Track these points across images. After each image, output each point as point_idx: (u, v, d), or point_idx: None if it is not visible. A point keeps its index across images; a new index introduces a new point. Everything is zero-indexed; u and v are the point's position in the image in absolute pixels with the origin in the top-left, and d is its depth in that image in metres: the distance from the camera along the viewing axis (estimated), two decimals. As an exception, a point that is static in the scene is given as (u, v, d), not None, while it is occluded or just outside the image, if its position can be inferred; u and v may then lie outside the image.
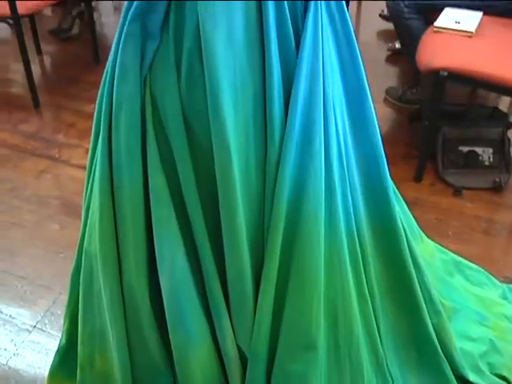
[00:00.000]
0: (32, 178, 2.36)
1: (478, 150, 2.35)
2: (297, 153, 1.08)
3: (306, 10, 1.06)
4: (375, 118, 1.22)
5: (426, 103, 2.43)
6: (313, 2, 1.05)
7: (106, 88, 1.15)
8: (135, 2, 1.05)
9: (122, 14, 1.09)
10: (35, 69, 3.07)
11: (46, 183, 2.33)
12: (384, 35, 3.58)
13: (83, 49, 3.42)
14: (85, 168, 2.30)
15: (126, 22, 1.06)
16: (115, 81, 1.10)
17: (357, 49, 1.17)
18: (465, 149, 2.36)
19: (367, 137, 1.21)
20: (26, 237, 2.07)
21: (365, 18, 3.92)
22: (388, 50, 3.36)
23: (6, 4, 2.57)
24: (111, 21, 3.99)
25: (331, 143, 1.12)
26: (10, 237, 2.07)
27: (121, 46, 1.08)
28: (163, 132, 1.11)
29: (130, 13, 1.05)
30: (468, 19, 2.35)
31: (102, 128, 1.14)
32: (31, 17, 3.15)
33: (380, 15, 3.63)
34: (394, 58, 3.32)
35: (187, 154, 1.10)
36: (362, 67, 1.18)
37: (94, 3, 3.91)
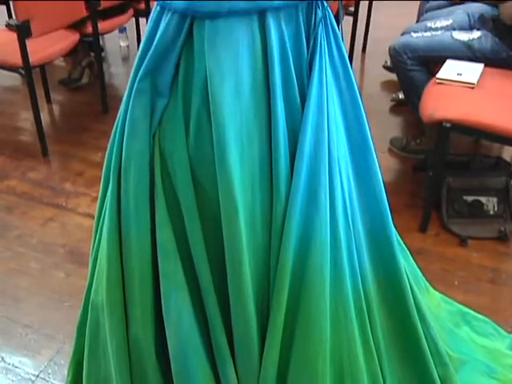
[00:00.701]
0: (39, 226, 2.38)
1: (483, 199, 2.36)
2: (302, 206, 1.09)
3: (311, 66, 1.09)
4: (379, 172, 1.23)
5: (430, 153, 2.45)
6: (318, 60, 1.08)
7: (115, 143, 1.18)
8: (146, 60, 1.09)
9: (133, 71, 1.13)
10: (44, 117, 3.13)
11: (52, 231, 2.35)
12: (388, 86, 3.64)
13: (92, 98, 3.48)
14: (91, 216, 2.33)
15: (137, 80, 1.10)
16: (125, 137, 1.13)
17: (361, 105, 1.19)
18: (469, 198, 2.37)
19: (372, 191, 1.23)
20: (31, 284, 2.07)
21: (369, 68, 4.00)
22: (392, 100, 3.41)
23: (19, 54, 2.63)
24: (120, 71, 4.08)
25: (336, 197, 1.13)
26: (15, 284, 2.07)
27: (131, 103, 1.11)
28: (171, 185, 1.13)
29: (141, 70, 1.09)
30: (469, 71, 2.40)
31: (111, 182, 1.17)
32: (42, 67, 3.23)
33: (384, 66, 3.71)
34: (397, 108, 3.36)
35: (194, 206, 1.11)
36: (366, 123, 1.21)
37: (103, 53, 4.00)
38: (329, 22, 1.11)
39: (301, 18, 1.06)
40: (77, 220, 2.41)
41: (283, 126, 1.06)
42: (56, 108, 3.48)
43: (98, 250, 1.25)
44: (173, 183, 1.13)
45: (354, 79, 1.17)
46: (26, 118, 3.31)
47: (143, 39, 1.13)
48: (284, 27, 1.04)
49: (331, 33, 1.12)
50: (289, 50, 1.05)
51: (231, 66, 1.02)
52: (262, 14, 1.01)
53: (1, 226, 2.38)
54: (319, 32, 1.08)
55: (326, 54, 1.11)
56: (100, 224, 1.26)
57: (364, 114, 1.20)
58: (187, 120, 1.08)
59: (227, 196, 1.06)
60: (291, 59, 1.06)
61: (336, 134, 1.13)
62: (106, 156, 1.24)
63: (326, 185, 1.10)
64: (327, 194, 1.11)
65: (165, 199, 1.13)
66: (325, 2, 1.09)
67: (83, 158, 2.86)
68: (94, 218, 2.33)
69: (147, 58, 1.09)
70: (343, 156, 1.17)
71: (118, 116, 1.20)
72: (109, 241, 1.17)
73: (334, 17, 1.14)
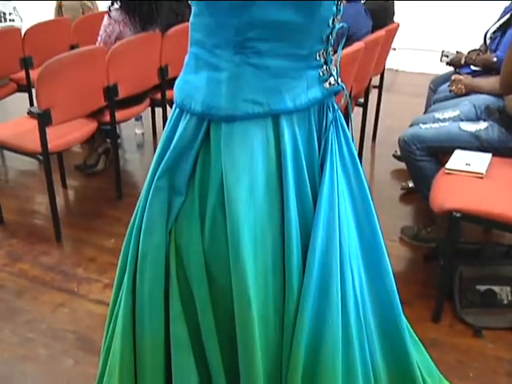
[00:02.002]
0: (49, 311, 2.37)
1: (496, 288, 2.34)
2: (314, 302, 1.11)
3: (322, 166, 1.13)
4: (389, 267, 1.25)
5: (442, 242, 2.45)
6: (329, 160, 1.13)
7: (132, 237, 1.21)
8: (164, 159, 1.14)
9: (151, 169, 1.18)
10: (59, 202, 3.19)
11: (62, 317, 2.34)
12: (398, 174, 3.69)
13: (107, 184, 3.55)
14: (102, 303, 2.32)
15: (155, 178, 1.15)
16: (142, 232, 1.17)
17: (371, 202, 1.22)
18: (482, 288, 2.34)
19: (382, 286, 1.24)
20: (38, 371, 2.04)
21: (379, 157, 4.07)
22: (402, 188, 3.45)
23: (38, 141, 2.71)
24: (135, 157, 4.17)
25: (348, 292, 1.15)
26: (22, 371, 2.04)
27: (149, 200, 1.16)
28: (186, 279, 1.16)
29: (159, 169, 1.14)
30: (478, 161, 2.43)
31: (126, 275, 1.20)
32: (59, 152, 3.31)
33: (394, 155, 3.77)
34: (408, 196, 3.40)
35: (208, 300, 1.13)
36: (376, 219, 1.24)
37: (119, 140, 4.11)
38: (339, 124, 1.17)
39: (313, 120, 1.12)
40: (88, 306, 2.40)
41: (296, 223, 1.09)
42: (71, 193, 3.55)
43: (111, 341, 1.26)
44: (187, 277, 1.15)
45: (363, 177, 1.21)
46: (40, 202, 3.36)
47: (162, 139, 1.19)
48: (297, 130, 1.09)
49: (341, 134, 1.18)
50: (301, 151, 1.10)
51: (246, 166, 1.06)
52: (275, 118, 1.07)
53: (10, 311, 2.38)
54: (330, 134, 1.13)
55: (337, 154, 1.15)
56: (114, 315, 1.27)
57: (374, 210, 1.23)
58: (203, 217, 1.12)
59: (241, 290, 1.08)
60: (303, 160, 1.10)
61: (347, 230, 1.16)
62: (123, 249, 1.27)
63: (337, 280, 1.12)
64: (339, 290, 1.12)
65: (179, 293, 1.15)
66: (335, 105, 1.15)
67: (96, 244, 2.89)
68: (105, 304, 2.34)
69: (166, 157, 1.14)
70: (354, 251, 1.19)
71: (135, 210, 1.24)
72: (123, 334, 1.18)
73: (344, 116, 1.19)
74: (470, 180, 2.34)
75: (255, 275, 1.08)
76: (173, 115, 1.17)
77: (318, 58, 1.08)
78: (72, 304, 2.42)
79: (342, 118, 1.19)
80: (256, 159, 1.07)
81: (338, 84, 1.13)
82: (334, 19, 1.06)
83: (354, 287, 1.17)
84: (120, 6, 3.29)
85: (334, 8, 1.04)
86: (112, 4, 3.28)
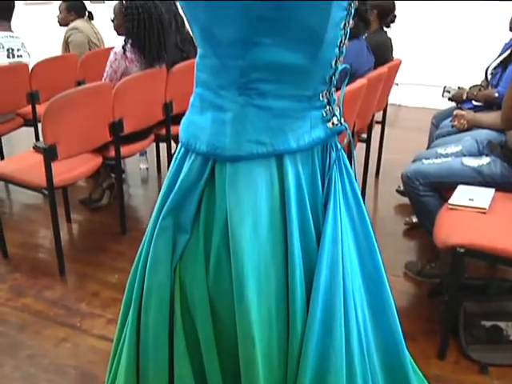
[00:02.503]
0: (51, 346, 2.36)
1: (502, 324, 2.32)
2: (318, 340, 1.11)
3: (326, 205, 1.14)
4: (393, 304, 1.25)
5: (446, 278, 2.44)
6: (332, 199, 1.14)
7: (137, 275, 1.22)
8: (169, 198, 1.16)
9: (156, 208, 1.20)
10: (63, 236, 3.19)
11: (65, 352, 2.32)
12: (401, 209, 3.69)
13: (111, 219, 3.56)
14: (105, 339, 2.31)
15: (160, 217, 1.17)
16: (147, 270, 1.18)
17: (374, 240, 1.23)
18: (488, 323, 2.33)
19: (386, 322, 1.24)
20: (40, 408, 2.03)
21: (382, 192, 4.09)
22: (405, 223, 3.45)
23: (43, 175, 2.74)
24: (139, 192, 4.20)
25: (351, 331, 1.15)
26: (24, 408, 2.03)
27: (154, 238, 1.17)
28: (190, 318, 1.16)
29: (165, 208, 1.16)
30: (481, 196, 2.44)
31: (131, 313, 1.21)
32: (64, 187, 3.34)
33: (397, 190, 3.78)
34: (411, 231, 3.40)
35: (212, 338, 1.14)
36: (379, 256, 1.24)
37: (123, 175, 4.14)
38: (342, 163, 1.19)
39: (316, 160, 1.13)
40: (90, 342, 2.39)
41: (299, 261, 1.10)
42: (75, 227, 3.56)
43: (114, 378, 1.26)
44: (192, 315, 1.16)
45: (366, 215, 1.22)
46: (45, 236, 3.37)
47: (167, 178, 1.20)
48: (300, 169, 1.10)
49: (345, 173, 1.19)
50: (305, 190, 1.11)
51: (250, 205, 1.07)
52: (279, 158, 1.08)
53: (12, 345, 2.37)
54: (333, 173, 1.15)
55: (340, 193, 1.17)
56: (118, 351, 1.27)
57: (377, 247, 1.24)
58: (207, 255, 1.13)
59: (245, 328, 1.08)
60: (307, 199, 1.11)
61: (350, 267, 1.17)
62: (127, 286, 1.28)
63: (341, 318, 1.12)
64: (342, 328, 1.12)
65: (184, 331, 1.15)
66: (338, 144, 1.17)
67: (100, 279, 2.89)
68: (108, 340, 2.33)
69: (171, 196, 1.15)
70: (358, 289, 1.19)
71: (140, 247, 1.25)
72: (127, 371, 1.18)
73: (348, 155, 1.21)
74: (473, 215, 2.34)
75: (259, 313, 1.09)
76: (178, 155, 1.18)
77: (321, 98, 1.10)
78: (75, 339, 2.41)
79: (345, 157, 1.20)
80: (260, 199, 1.08)
81: (341, 124, 1.15)
82: (336, 61, 1.08)
83: (357, 324, 1.17)
84: (130, 43, 3.34)
85: (337, 50, 1.07)
86: (125, 43, 3.34)
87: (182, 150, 1.17)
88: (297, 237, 1.09)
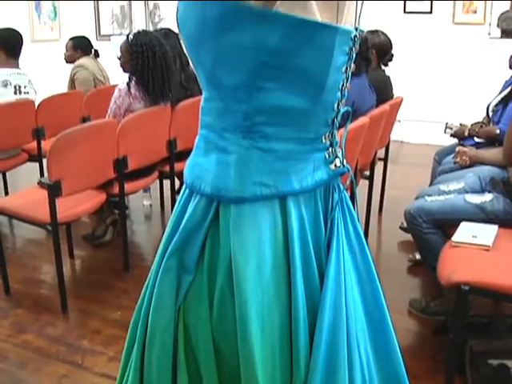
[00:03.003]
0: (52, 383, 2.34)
1: (509, 363, 2.29)
2: (322, 382, 1.10)
3: (329, 246, 1.15)
4: (396, 343, 1.25)
5: (450, 315, 2.42)
6: (335, 240, 1.14)
7: (141, 315, 1.22)
8: (174, 239, 1.16)
9: (161, 248, 1.21)
10: (66, 272, 3.18)
11: (65, 390, 2.31)
12: (405, 246, 3.68)
13: (114, 255, 3.56)
14: (107, 376, 2.29)
15: (165, 257, 1.17)
16: (151, 310, 1.19)
17: (377, 281, 1.23)
18: (494, 362, 2.30)
19: (390, 365, 1.23)
20: None
21: (386, 229, 4.09)
22: (409, 260, 3.44)
23: (47, 211, 2.74)
24: (142, 229, 4.21)
25: (355, 372, 1.14)
26: None
27: (158, 278, 1.18)
28: (194, 358, 1.16)
29: (169, 248, 1.17)
30: (484, 233, 2.44)
31: (134, 352, 1.21)
32: (68, 223, 3.34)
33: (400, 227, 3.78)
34: (415, 268, 3.38)
35: (216, 379, 1.14)
36: (383, 297, 1.24)
37: (127, 211, 4.15)
38: (345, 204, 1.19)
39: (319, 201, 1.14)
40: (92, 379, 2.36)
41: (303, 303, 1.10)
42: (78, 263, 3.55)
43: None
44: (195, 355, 1.16)
45: (369, 256, 1.22)
46: (47, 272, 3.37)
47: (171, 218, 1.21)
48: (304, 211, 1.11)
49: (347, 213, 1.20)
50: (308, 231, 1.12)
51: (254, 247, 1.08)
52: (283, 199, 1.10)
53: (12, 382, 2.35)
54: (336, 214, 1.16)
55: (343, 234, 1.17)
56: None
57: (380, 288, 1.24)
58: (211, 295, 1.14)
59: (248, 369, 1.08)
60: (310, 240, 1.12)
61: (354, 309, 1.17)
62: (131, 325, 1.28)
63: (344, 361, 1.12)
64: (346, 370, 1.12)
65: (187, 371, 1.15)
66: (341, 185, 1.18)
67: (102, 316, 2.87)
68: (110, 378, 2.31)
69: (175, 237, 1.16)
70: (361, 331, 1.19)
71: (144, 287, 1.26)
72: None
73: (350, 196, 1.22)
74: (477, 252, 2.33)
75: (263, 354, 1.09)
76: (183, 196, 1.19)
77: (323, 140, 1.12)
78: (76, 376, 2.39)
79: (348, 198, 1.21)
80: (264, 240, 1.09)
81: (344, 166, 1.16)
82: (338, 103, 1.10)
83: (361, 366, 1.17)
84: (134, 81, 3.39)
85: (339, 93, 1.09)
86: (130, 80, 3.39)
87: (187, 191, 1.18)
88: (300, 278, 1.10)
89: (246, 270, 1.07)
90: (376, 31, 3.95)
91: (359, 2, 1.08)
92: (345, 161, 1.17)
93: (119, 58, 3.59)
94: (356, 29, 1.06)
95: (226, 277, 1.10)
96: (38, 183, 2.97)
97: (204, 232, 1.13)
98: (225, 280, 1.11)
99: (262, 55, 0.97)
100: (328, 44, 0.99)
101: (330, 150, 1.13)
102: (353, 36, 1.04)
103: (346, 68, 1.06)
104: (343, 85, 1.08)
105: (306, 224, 1.11)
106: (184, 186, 1.20)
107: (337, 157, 1.15)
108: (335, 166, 1.14)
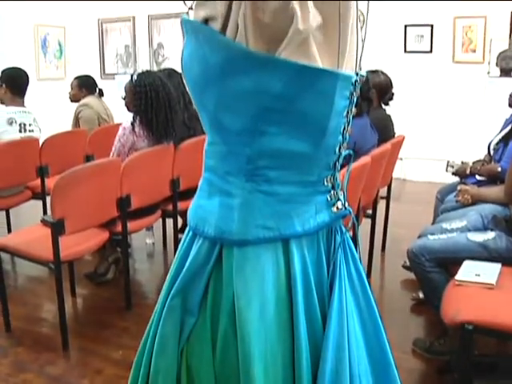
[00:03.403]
0: (52, 425, 2.31)
1: (515, 403, 2.27)
2: None
3: (331, 288, 1.15)
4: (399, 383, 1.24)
5: (455, 355, 2.40)
6: (337, 282, 1.15)
7: (144, 355, 1.22)
8: (178, 280, 1.17)
9: (164, 289, 1.21)
10: (67, 310, 3.16)
11: (66, 431, 2.27)
12: (408, 285, 3.66)
13: (116, 294, 3.54)
14: (107, 418, 2.25)
15: (169, 298, 1.18)
16: (154, 351, 1.19)
17: (380, 322, 1.23)
18: (500, 401, 2.28)
19: None
20: None
21: (388, 268, 4.08)
22: (412, 299, 3.42)
23: (50, 249, 2.74)
24: (144, 267, 4.20)
25: None
26: None
27: (162, 319, 1.18)
28: None
29: (173, 289, 1.17)
30: (487, 271, 2.43)
31: None
32: (70, 261, 3.34)
33: (403, 266, 3.76)
34: (418, 307, 3.35)
35: None
36: (386, 338, 1.24)
37: (129, 249, 4.14)
38: (347, 246, 1.20)
39: (321, 243, 1.15)
40: (92, 421, 2.34)
41: (305, 344, 1.10)
42: (79, 301, 3.54)
43: None
44: None
45: (372, 297, 1.23)
46: (48, 310, 3.36)
47: (175, 260, 1.22)
48: (306, 253, 1.12)
49: (349, 255, 1.21)
50: (311, 274, 1.12)
51: (257, 289, 1.09)
52: (285, 242, 1.10)
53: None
54: (338, 256, 1.16)
55: (345, 276, 1.18)
56: None
57: (383, 329, 1.23)
58: (214, 337, 1.14)
59: None
60: (313, 282, 1.13)
61: (356, 350, 1.16)
62: (134, 366, 1.27)
63: None
64: None
65: None
66: (343, 228, 1.19)
67: (103, 355, 2.84)
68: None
69: (179, 278, 1.17)
70: (364, 372, 1.18)
71: (148, 326, 1.26)
72: None
73: (352, 238, 1.23)
74: (480, 291, 2.32)
75: None
76: (186, 238, 1.20)
77: (325, 183, 1.13)
78: (76, 418, 2.36)
79: (350, 240, 1.22)
80: (267, 283, 1.09)
81: (346, 208, 1.17)
82: (340, 147, 1.12)
83: None
84: (139, 120, 3.43)
85: (340, 137, 1.10)
86: (134, 119, 3.43)
87: (190, 233, 1.19)
88: (303, 320, 1.10)
89: (248, 313, 1.07)
90: (376, 71, 4.00)
91: (359, 47, 1.11)
92: (346, 203, 1.18)
93: (124, 98, 3.65)
94: (357, 73, 1.08)
95: (229, 319, 1.11)
96: (42, 221, 2.98)
97: (207, 274, 1.14)
98: (228, 322, 1.11)
99: (265, 100, 1.00)
100: (329, 89, 1.02)
101: (332, 192, 1.15)
102: (353, 81, 1.06)
103: (347, 112, 1.08)
104: (344, 128, 1.10)
105: (308, 266, 1.12)
106: (187, 228, 1.21)
107: (338, 199, 1.16)
108: (337, 208, 1.15)
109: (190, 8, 1.08)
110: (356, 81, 1.07)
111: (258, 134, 1.03)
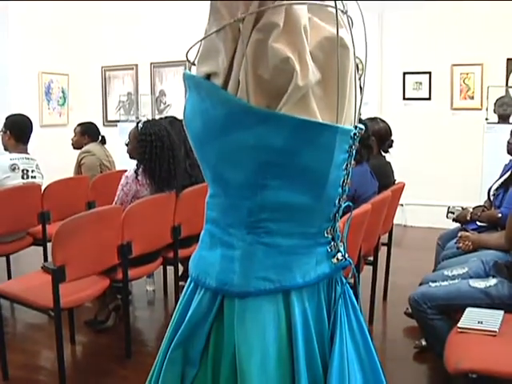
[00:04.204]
0: None
1: None
2: None
3: (332, 337, 1.15)
4: None
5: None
6: (338, 333, 1.15)
7: None
8: (179, 332, 1.17)
9: (165, 340, 1.21)
10: (66, 358, 3.11)
11: None
12: (410, 332, 3.61)
13: (116, 341, 3.49)
14: None
15: (170, 350, 1.18)
16: None
17: (380, 372, 1.23)
18: None
19: None
20: None
21: (391, 315, 4.04)
22: (415, 347, 3.37)
23: (50, 296, 2.71)
24: (145, 315, 4.16)
25: None
26: None
27: (163, 370, 1.18)
28: None
29: (174, 341, 1.17)
30: (490, 318, 2.42)
31: None
32: (70, 309, 3.31)
33: (405, 313, 3.73)
34: (421, 355, 3.30)
35: None
36: None
37: (130, 297, 4.11)
38: (348, 297, 1.21)
39: (322, 294, 1.16)
40: None
41: None
42: (79, 349, 3.50)
43: None
44: None
45: (372, 348, 1.23)
46: (47, 358, 3.32)
47: (176, 311, 1.23)
48: (307, 304, 1.13)
49: (350, 306, 1.21)
50: (311, 325, 1.13)
51: (258, 341, 1.09)
52: (286, 294, 1.11)
53: None
54: (339, 307, 1.17)
55: (346, 326, 1.18)
56: None
57: (384, 379, 1.23)
58: None
59: None
60: (313, 333, 1.13)
61: None
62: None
63: None
64: None
65: None
66: (343, 278, 1.20)
67: (103, 405, 2.80)
68: None
69: (180, 330, 1.17)
70: None
71: (149, 377, 1.25)
72: None
73: (352, 287, 1.23)
74: (483, 339, 2.31)
75: None
76: (187, 289, 1.21)
77: (325, 235, 1.15)
78: None
79: (350, 290, 1.23)
80: (268, 335, 1.09)
81: (346, 259, 1.18)
82: (340, 199, 1.13)
83: None
84: (142, 168, 3.46)
85: (340, 189, 1.12)
86: (138, 168, 3.47)
87: (192, 284, 1.20)
88: (304, 371, 1.09)
89: (249, 364, 1.07)
90: (375, 118, 4.06)
91: (358, 99, 1.13)
92: (346, 254, 1.19)
93: (127, 145, 3.68)
94: (355, 127, 1.11)
95: (231, 370, 1.10)
96: (42, 267, 2.97)
97: (209, 325, 1.14)
98: (229, 373, 1.11)
99: (266, 154, 1.02)
100: (329, 143, 1.04)
101: (332, 243, 1.16)
102: (352, 134, 1.08)
103: (347, 165, 1.10)
104: (344, 181, 1.12)
105: (309, 318, 1.12)
106: (189, 279, 1.22)
107: (339, 251, 1.17)
108: (337, 259, 1.16)
109: (193, 63, 1.11)
110: (355, 134, 1.09)
111: (259, 188, 1.05)
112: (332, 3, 1.03)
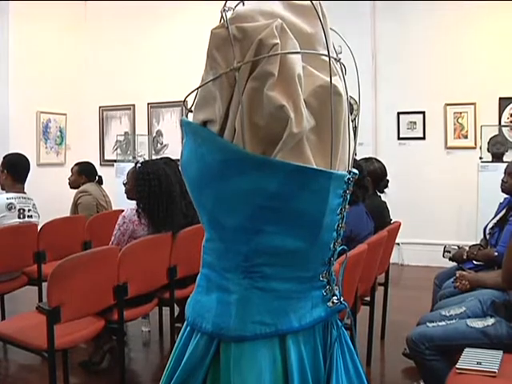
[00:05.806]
0: None
1: None
2: None
3: (328, 381, 1.15)
4: None
5: None
6: (334, 376, 1.15)
7: None
8: (175, 377, 1.17)
9: (163, 382, 1.20)
10: (60, 403, 3.08)
11: None
12: (409, 373, 3.55)
13: (110, 383, 3.44)
14: None
15: None
16: None
17: None
18: None
19: None
20: None
21: (388, 356, 3.99)
22: (414, 389, 3.34)
23: (44, 337, 2.68)
24: (140, 356, 4.10)
25: None
26: None
27: None
28: None
29: (172, 383, 1.17)
30: (489, 359, 2.39)
31: None
32: (64, 350, 3.27)
33: (403, 353, 3.69)
34: (422, 399, 3.27)
35: None
36: None
37: (125, 338, 4.07)
38: (343, 340, 1.21)
39: (318, 338, 1.16)
40: None
41: None
42: (73, 392, 3.44)
43: None
44: None
45: None
46: (40, 402, 3.26)
47: (172, 355, 1.22)
48: (303, 348, 1.13)
49: (346, 350, 1.21)
50: (307, 369, 1.12)
51: None
52: (282, 338, 1.11)
53: None
54: (335, 350, 1.17)
55: (342, 371, 1.18)
56: None
57: None
58: None
59: None
60: (310, 376, 1.13)
61: None
62: None
63: None
64: None
65: None
66: (339, 322, 1.20)
67: None
68: None
69: (177, 374, 1.17)
70: None
71: None
72: None
73: (348, 328, 1.23)
74: (482, 380, 2.29)
75: None
76: (184, 333, 1.21)
77: (321, 278, 1.15)
78: None
79: (346, 334, 1.23)
80: (264, 378, 1.09)
81: (341, 303, 1.19)
82: (334, 243, 1.14)
83: None
84: (141, 210, 3.48)
85: (335, 233, 1.13)
86: (138, 207, 3.48)
87: (188, 328, 1.20)
88: None
89: None
90: (370, 158, 4.08)
91: (352, 145, 1.15)
92: (342, 297, 1.20)
93: (125, 184, 3.70)
94: (349, 172, 1.12)
95: None
96: (37, 308, 2.94)
97: (205, 369, 1.14)
98: None
99: (261, 199, 1.03)
100: (323, 188, 1.06)
101: (328, 287, 1.17)
102: (346, 179, 1.10)
103: (341, 209, 1.12)
104: (339, 225, 1.13)
105: (305, 361, 1.12)
106: (185, 323, 1.22)
107: (334, 294, 1.18)
108: (333, 303, 1.17)
109: (190, 110, 1.13)
110: (349, 179, 1.11)
111: (254, 232, 1.06)
112: (325, 52, 1.06)
